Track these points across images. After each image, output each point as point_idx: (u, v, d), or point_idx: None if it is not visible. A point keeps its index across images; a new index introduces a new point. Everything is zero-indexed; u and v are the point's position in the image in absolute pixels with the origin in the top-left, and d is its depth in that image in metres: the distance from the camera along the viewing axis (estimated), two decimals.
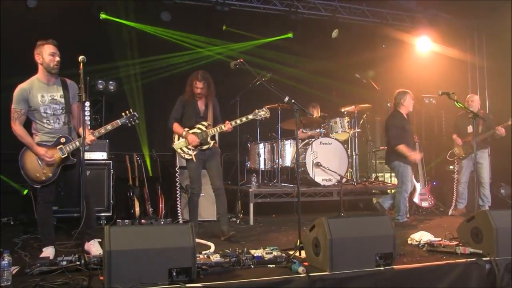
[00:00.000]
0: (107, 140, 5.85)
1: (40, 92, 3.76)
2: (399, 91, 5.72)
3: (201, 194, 4.99)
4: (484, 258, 3.46)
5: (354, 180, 6.92)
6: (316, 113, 7.21)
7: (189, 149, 4.71)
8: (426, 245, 3.98)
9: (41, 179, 3.76)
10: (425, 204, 6.82)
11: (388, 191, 6.85)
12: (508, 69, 7.23)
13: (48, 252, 3.75)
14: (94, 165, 5.67)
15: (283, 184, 6.60)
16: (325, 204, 6.63)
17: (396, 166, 5.55)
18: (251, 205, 5.95)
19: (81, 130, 3.60)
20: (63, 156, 3.79)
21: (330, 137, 6.62)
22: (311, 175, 6.34)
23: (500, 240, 3.49)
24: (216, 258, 3.29)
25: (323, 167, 6.34)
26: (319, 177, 6.38)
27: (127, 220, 5.20)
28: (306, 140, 6.70)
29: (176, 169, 5.62)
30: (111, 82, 6.35)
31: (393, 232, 3.35)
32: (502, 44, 7.42)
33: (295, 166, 6.00)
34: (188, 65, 7.03)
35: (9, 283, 2.80)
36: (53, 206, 4.07)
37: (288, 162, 6.77)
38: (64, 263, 3.17)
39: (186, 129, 4.73)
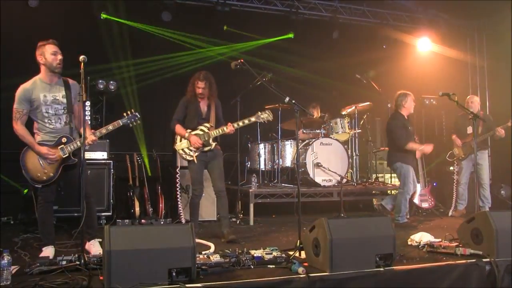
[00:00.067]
0: (108, 140, 5.85)
1: (43, 92, 3.77)
2: (400, 92, 5.71)
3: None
4: (484, 259, 3.46)
5: (354, 180, 6.92)
6: (316, 113, 7.21)
7: (191, 150, 4.70)
8: (426, 246, 3.97)
9: (42, 179, 3.76)
10: (425, 205, 6.82)
11: (388, 191, 6.86)
12: (509, 69, 7.23)
13: (48, 251, 3.75)
14: (95, 165, 5.67)
15: (283, 184, 6.60)
16: (325, 205, 6.63)
17: (398, 168, 5.55)
18: (251, 205, 5.95)
19: (82, 130, 3.61)
20: (64, 156, 3.79)
21: (331, 138, 6.62)
22: (311, 175, 6.34)
23: (500, 241, 3.49)
24: (216, 258, 3.29)
25: (323, 167, 6.34)
26: (319, 177, 6.38)
27: (127, 220, 5.22)
28: (307, 141, 6.70)
29: (177, 170, 5.61)
30: (111, 82, 6.35)
31: (393, 232, 3.35)
32: (502, 45, 7.42)
33: (295, 166, 5.99)
34: (189, 66, 7.03)
35: (8, 283, 2.80)
36: (53, 205, 4.07)
37: (288, 162, 6.77)
38: (64, 262, 3.17)
39: (189, 130, 4.71)
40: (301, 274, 3.03)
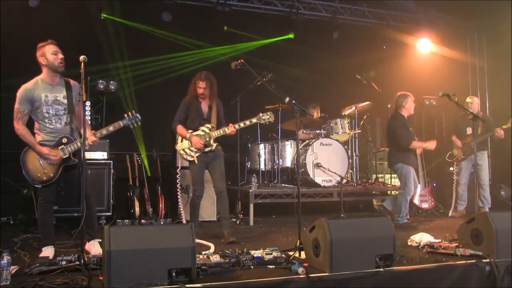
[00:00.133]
0: (108, 140, 5.85)
1: (44, 92, 3.78)
2: (400, 93, 5.71)
3: None
4: (484, 260, 3.46)
5: (354, 181, 6.92)
6: (316, 113, 7.21)
7: (192, 150, 4.67)
8: (426, 246, 3.97)
9: (42, 179, 3.77)
10: (425, 205, 6.82)
11: (389, 192, 6.86)
12: (509, 70, 7.22)
13: (48, 251, 3.75)
14: (95, 165, 5.68)
15: (283, 184, 6.60)
16: (325, 205, 6.63)
17: (399, 168, 5.55)
18: (251, 206, 5.96)
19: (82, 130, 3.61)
20: (65, 157, 3.80)
21: (331, 138, 6.62)
22: (311, 176, 6.34)
23: (500, 242, 3.49)
24: (216, 258, 3.29)
25: (324, 168, 6.34)
26: (319, 178, 6.38)
27: (127, 220, 5.22)
28: (307, 141, 6.70)
29: (178, 170, 5.60)
30: (111, 82, 6.35)
31: (393, 233, 3.35)
32: (502, 45, 7.41)
33: (296, 166, 5.99)
34: (189, 66, 7.03)
35: (8, 283, 2.79)
36: (53, 205, 4.07)
37: (288, 162, 6.77)
38: (64, 263, 3.17)
39: (190, 131, 4.69)
40: (301, 275, 3.03)
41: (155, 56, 6.97)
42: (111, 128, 3.92)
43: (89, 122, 5.93)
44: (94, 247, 3.91)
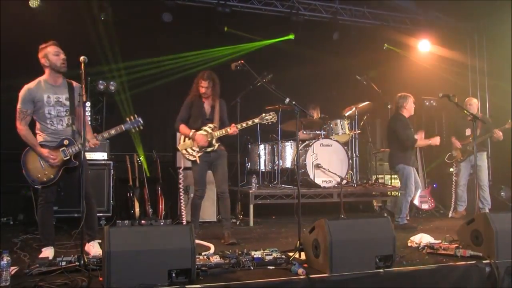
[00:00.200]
0: (108, 141, 5.85)
1: (46, 93, 3.80)
2: (400, 94, 5.72)
3: None
4: (484, 261, 3.46)
5: (354, 182, 6.92)
6: (316, 114, 7.21)
7: (194, 150, 4.64)
8: (426, 247, 3.97)
9: (42, 180, 3.77)
10: (425, 206, 6.82)
11: (388, 193, 6.86)
12: (509, 71, 7.23)
13: (48, 252, 3.75)
14: (95, 165, 5.67)
15: (283, 185, 6.60)
16: (325, 206, 6.63)
17: (401, 169, 5.55)
18: (251, 206, 5.96)
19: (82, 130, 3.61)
20: (65, 158, 3.80)
21: (331, 139, 6.62)
22: (311, 176, 6.34)
23: (500, 243, 3.48)
24: (215, 259, 3.29)
25: (324, 168, 6.34)
26: (319, 178, 6.38)
27: (127, 221, 5.24)
28: (307, 142, 6.70)
29: (180, 170, 5.59)
30: (112, 83, 6.36)
31: (393, 234, 3.34)
32: (502, 46, 7.42)
33: (296, 167, 5.99)
34: (189, 67, 7.03)
35: (7, 284, 2.79)
36: (53, 206, 4.07)
37: (288, 163, 6.77)
38: (64, 263, 3.17)
39: (193, 130, 4.67)
40: (301, 275, 3.03)
41: (155, 58, 6.97)
42: (112, 131, 3.92)
43: (89, 123, 5.93)
44: (94, 248, 3.91)
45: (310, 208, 6.45)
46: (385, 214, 6.45)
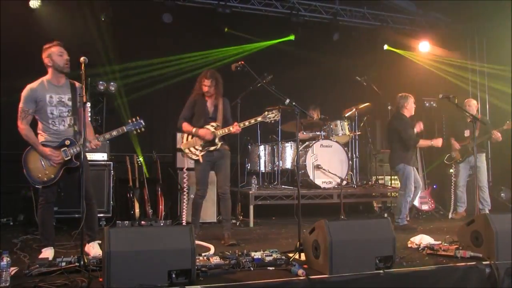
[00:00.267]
0: (108, 141, 5.84)
1: (49, 93, 3.80)
2: (401, 95, 5.72)
3: None
4: (484, 262, 3.46)
5: (354, 182, 6.92)
6: (316, 115, 7.21)
7: (197, 149, 4.62)
8: (426, 248, 3.97)
9: (43, 180, 3.77)
10: (425, 207, 6.82)
11: (388, 193, 6.85)
12: (509, 72, 7.23)
13: (47, 253, 3.75)
14: (95, 166, 5.66)
15: (283, 186, 6.60)
16: (325, 207, 6.62)
17: (401, 169, 5.55)
18: (251, 207, 5.95)
19: (86, 132, 3.62)
20: (67, 159, 3.80)
21: (331, 140, 6.62)
22: (311, 177, 6.34)
23: (500, 244, 3.48)
24: (215, 260, 3.29)
25: (324, 169, 6.34)
26: (319, 179, 6.38)
27: (127, 221, 5.24)
28: (307, 143, 6.70)
29: (184, 169, 5.57)
30: (112, 83, 6.36)
31: (393, 235, 3.34)
32: (502, 47, 7.42)
33: (296, 168, 5.99)
34: (190, 67, 7.03)
35: (7, 284, 2.79)
36: (54, 206, 4.07)
37: (288, 164, 6.77)
38: (63, 264, 3.16)
39: (196, 127, 4.64)
40: (301, 276, 3.03)
41: (155, 59, 6.97)
42: (114, 132, 3.93)
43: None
44: (93, 249, 3.90)
45: (310, 209, 6.44)
46: (385, 215, 6.44)
